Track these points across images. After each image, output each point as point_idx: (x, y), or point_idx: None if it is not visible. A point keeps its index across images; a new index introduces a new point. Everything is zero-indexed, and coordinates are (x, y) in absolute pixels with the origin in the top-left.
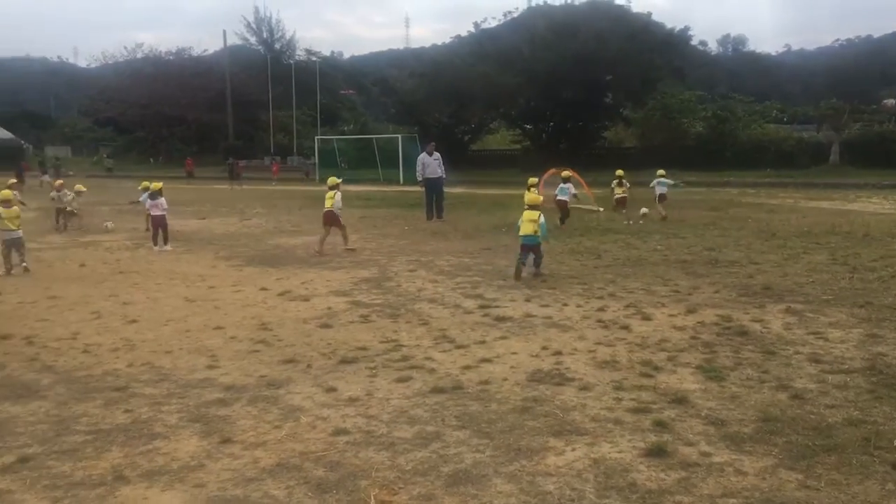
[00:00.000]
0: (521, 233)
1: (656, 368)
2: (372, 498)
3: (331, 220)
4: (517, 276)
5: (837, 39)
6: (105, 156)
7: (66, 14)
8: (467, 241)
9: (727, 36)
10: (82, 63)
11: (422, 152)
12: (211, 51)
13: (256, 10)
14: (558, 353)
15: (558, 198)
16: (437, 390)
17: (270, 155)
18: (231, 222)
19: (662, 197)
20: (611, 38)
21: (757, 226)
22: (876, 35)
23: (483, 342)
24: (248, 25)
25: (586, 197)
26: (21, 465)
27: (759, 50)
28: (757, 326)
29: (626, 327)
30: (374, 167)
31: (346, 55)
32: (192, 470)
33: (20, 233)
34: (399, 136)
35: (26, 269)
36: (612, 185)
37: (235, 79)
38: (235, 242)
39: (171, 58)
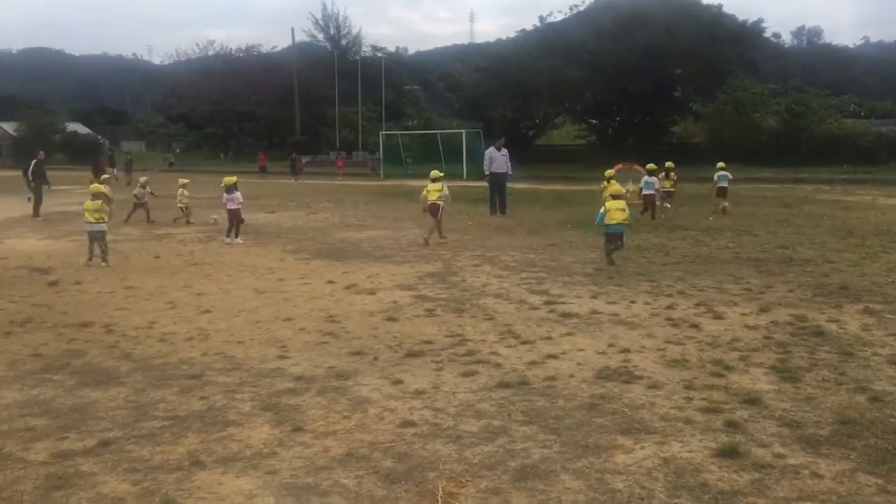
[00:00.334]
0: (606, 221)
1: (728, 368)
2: (440, 490)
3: (435, 211)
4: (610, 261)
5: None
6: (176, 151)
7: (141, 12)
8: (532, 236)
9: (802, 28)
10: (156, 60)
11: (490, 146)
12: (279, 48)
13: (324, 8)
14: (626, 350)
15: (644, 192)
16: (503, 385)
17: (336, 150)
18: (298, 216)
19: (722, 190)
20: (680, 31)
21: (832, 223)
22: None
23: (549, 338)
24: (316, 22)
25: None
26: (102, 449)
27: (834, 42)
28: (833, 327)
29: (696, 326)
30: (439, 162)
31: (411, 51)
32: (264, 457)
33: (100, 226)
34: (463, 131)
35: (105, 263)
36: (660, 177)
37: (303, 75)
38: (303, 236)
39: (241, 55)
